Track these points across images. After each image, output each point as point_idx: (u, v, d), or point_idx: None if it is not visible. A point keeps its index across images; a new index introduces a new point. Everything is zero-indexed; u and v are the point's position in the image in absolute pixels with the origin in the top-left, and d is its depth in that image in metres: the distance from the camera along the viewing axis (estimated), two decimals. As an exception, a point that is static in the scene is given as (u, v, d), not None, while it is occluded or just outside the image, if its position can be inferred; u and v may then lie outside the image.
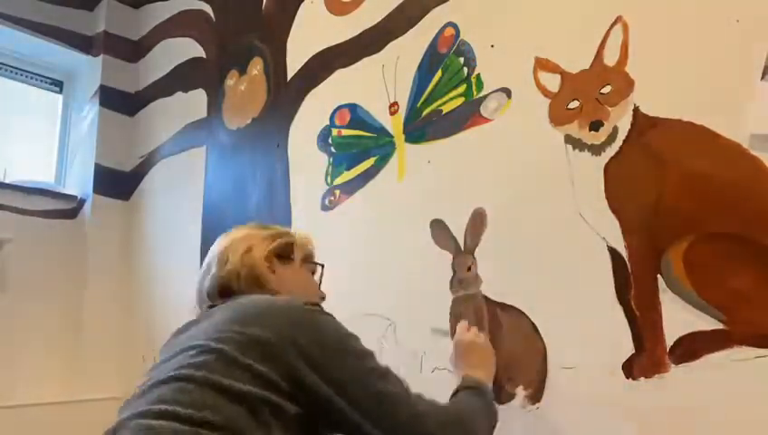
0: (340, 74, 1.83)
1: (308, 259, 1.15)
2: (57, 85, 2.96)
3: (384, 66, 1.68)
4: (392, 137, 1.64)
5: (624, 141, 1.16)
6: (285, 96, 2.02)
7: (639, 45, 1.17)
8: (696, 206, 1.04)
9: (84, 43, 2.87)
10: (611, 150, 1.17)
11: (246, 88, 2.22)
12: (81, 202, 2.72)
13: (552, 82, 1.29)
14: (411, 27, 1.63)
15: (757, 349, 0.95)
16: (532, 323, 1.25)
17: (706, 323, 1.01)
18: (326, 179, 1.80)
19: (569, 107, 1.25)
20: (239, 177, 2.16)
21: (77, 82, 2.96)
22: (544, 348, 1.23)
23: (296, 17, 2.03)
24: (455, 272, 1.41)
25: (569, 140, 1.24)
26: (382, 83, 1.68)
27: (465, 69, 1.48)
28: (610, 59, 1.20)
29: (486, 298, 1.34)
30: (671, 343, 1.05)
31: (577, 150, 1.23)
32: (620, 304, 1.12)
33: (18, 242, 2.45)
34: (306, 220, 1.83)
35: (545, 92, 1.30)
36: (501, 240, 1.34)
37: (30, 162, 2.83)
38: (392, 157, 1.63)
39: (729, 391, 0.97)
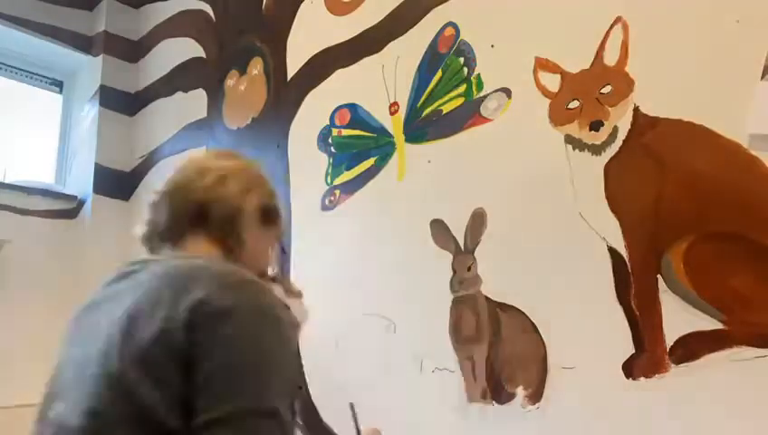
0: (340, 74, 1.82)
1: (280, 235, 0.97)
2: (57, 85, 2.96)
3: (384, 66, 1.68)
4: (392, 137, 1.64)
5: (624, 141, 1.16)
6: (285, 96, 2.02)
7: (639, 45, 1.17)
8: (695, 206, 1.04)
9: (84, 43, 2.87)
10: (611, 150, 1.17)
11: (246, 88, 2.21)
12: (81, 202, 2.71)
13: (552, 82, 1.29)
14: (411, 27, 1.63)
15: (757, 349, 0.95)
16: (532, 323, 1.25)
17: (706, 323, 1.01)
18: (326, 179, 1.80)
19: (569, 107, 1.25)
20: (239, 177, 2.15)
21: (77, 82, 2.96)
22: (544, 348, 1.23)
23: (296, 17, 2.03)
24: (455, 272, 1.41)
25: (569, 140, 1.24)
26: (382, 83, 1.68)
27: (465, 69, 1.48)
28: (610, 59, 1.20)
29: (486, 298, 1.34)
30: (671, 343, 1.05)
31: (577, 150, 1.23)
32: (620, 304, 1.12)
33: (18, 242, 2.45)
34: (306, 220, 1.83)
35: (545, 92, 1.30)
36: (501, 240, 1.34)
37: (30, 162, 2.83)
38: (392, 157, 1.62)
39: (729, 391, 0.97)
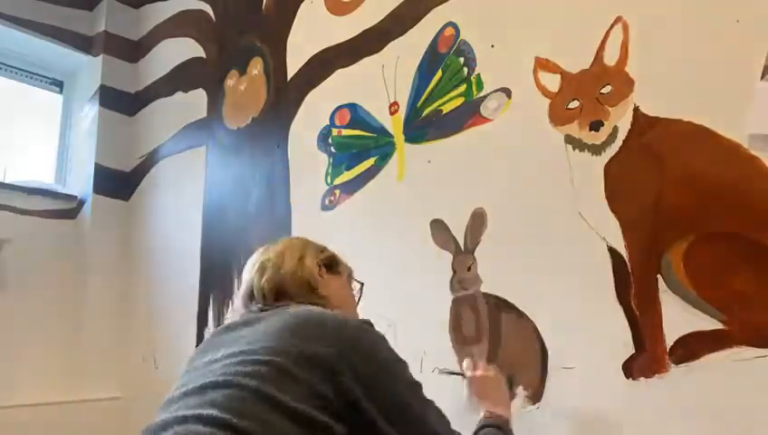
0: (340, 74, 1.83)
1: (350, 275, 1.21)
2: (57, 85, 2.96)
3: (384, 66, 1.68)
4: (392, 137, 1.64)
5: (624, 141, 1.16)
6: (285, 96, 2.02)
7: (639, 45, 1.17)
8: (695, 206, 1.04)
9: (84, 43, 2.87)
10: (611, 150, 1.17)
11: (246, 88, 2.22)
12: (81, 202, 2.71)
13: (552, 82, 1.29)
14: (411, 27, 1.63)
15: (757, 349, 0.95)
16: (533, 323, 1.25)
17: (706, 323, 1.01)
18: (326, 179, 1.80)
19: (569, 107, 1.25)
20: (239, 177, 2.16)
21: (77, 82, 2.96)
22: (544, 348, 1.23)
23: (296, 17, 2.03)
24: (455, 272, 1.41)
25: (569, 140, 1.24)
26: (382, 83, 1.68)
27: (465, 69, 1.48)
28: (610, 59, 1.20)
29: (486, 298, 1.34)
30: (671, 343, 1.05)
31: (577, 150, 1.23)
32: (620, 304, 1.12)
33: (18, 242, 2.45)
34: (306, 220, 1.83)
35: (545, 92, 1.30)
36: (501, 240, 1.34)
37: (30, 162, 2.83)
38: (392, 157, 1.63)
39: (729, 391, 0.97)
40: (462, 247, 1.41)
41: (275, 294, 1.01)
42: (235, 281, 2.08)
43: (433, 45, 1.56)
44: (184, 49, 2.60)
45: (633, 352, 1.10)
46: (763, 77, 1.00)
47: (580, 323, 1.18)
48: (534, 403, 1.23)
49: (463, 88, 1.48)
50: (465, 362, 1.19)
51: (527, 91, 1.33)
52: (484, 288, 1.35)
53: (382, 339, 0.87)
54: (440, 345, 1.40)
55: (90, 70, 2.87)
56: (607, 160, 1.18)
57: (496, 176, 1.37)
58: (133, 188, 2.76)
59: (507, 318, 1.30)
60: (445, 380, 1.38)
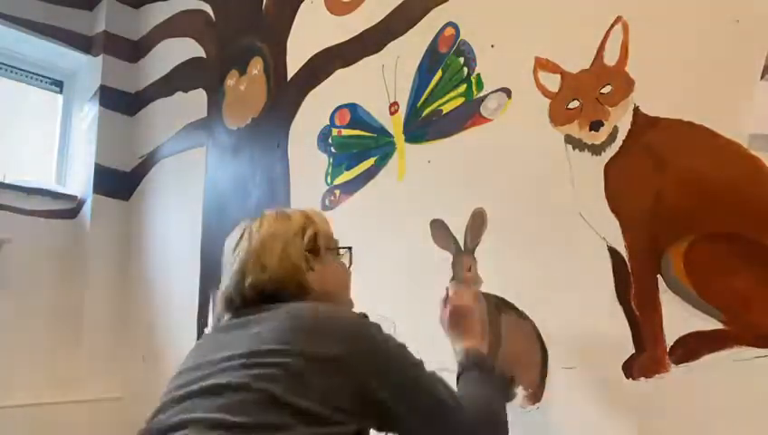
0: (340, 74, 1.83)
1: (331, 246, 1.12)
2: (57, 85, 2.96)
3: (384, 66, 1.68)
4: (392, 137, 1.64)
5: (624, 141, 1.16)
6: (285, 96, 2.02)
7: (639, 45, 1.17)
8: (696, 206, 1.04)
9: (84, 43, 2.87)
10: (611, 150, 1.17)
11: (246, 88, 2.22)
12: (81, 202, 2.72)
13: (552, 82, 1.29)
14: (411, 27, 1.63)
15: (757, 349, 0.95)
16: (533, 323, 1.25)
17: (706, 323, 1.01)
18: (326, 179, 1.80)
19: (569, 107, 1.25)
20: (239, 177, 2.16)
21: (77, 82, 2.96)
22: (544, 348, 1.23)
23: (296, 17, 2.03)
24: (455, 272, 1.41)
25: (569, 140, 1.24)
26: (382, 83, 1.68)
27: (465, 69, 1.48)
28: (610, 59, 1.20)
29: (486, 298, 1.34)
30: (671, 343, 1.05)
31: (577, 150, 1.23)
32: (620, 304, 1.12)
33: (18, 242, 2.45)
34: (306, 220, 1.83)
35: (545, 92, 1.30)
36: (501, 240, 1.34)
37: (30, 162, 2.83)
38: (392, 157, 1.63)
39: (729, 391, 0.97)
40: (462, 247, 1.41)
41: (262, 297, 0.96)
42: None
43: (433, 45, 1.56)
44: (184, 49, 2.59)
45: (633, 352, 1.10)
46: (762, 77, 1.00)
47: (580, 323, 1.18)
48: (534, 403, 1.23)
49: (463, 88, 1.48)
50: (451, 288, 1.21)
51: (527, 91, 1.33)
52: (484, 288, 1.35)
53: (379, 329, 0.90)
54: (440, 345, 1.40)
55: (90, 70, 2.87)
56: (607, 160, 1.18)
57: (496, 176, 1.37)
58: (133, 188, 2.76)
59: (507, 318, 1.30)
60: (445, 379, 1.38)
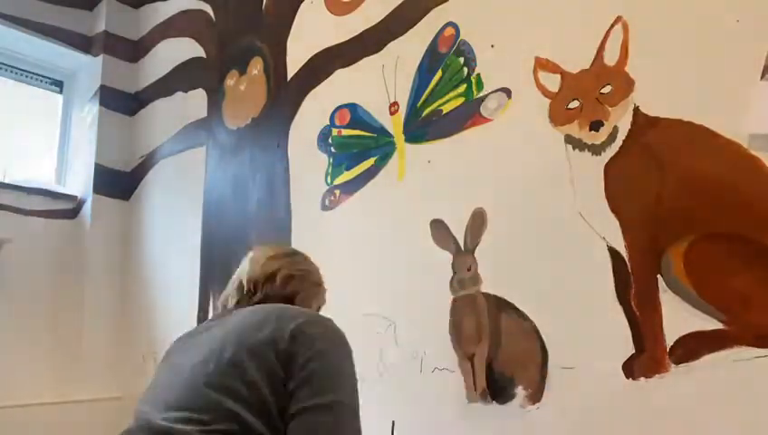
0: (340, 74, 1.82)
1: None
2: (57, 85, 2.95)
3: (384, 66, 1.68)
4: (392, 137, 1.64)
5: (624, 141, 1.16)
6: (285, 96, 2.02)
7: (639, 45, 1.17)
8: (695, 206, 1.04)
9: (84, 43, 2.87)
10: (611, 150, 1.17)
11: (246, 88, 2.21)
12: (81, 202, 2.71)
13: (552, 82, 1.29)
14: (411, 27, 1.63)
15: (757, 349, 0.95)
16: (532, 323, 1.25)
17: (706, 323, 1.01)
18: (326, 179, 1.80)
19: (569, 107, 1.25)
20: (239, 177, 2.16)
21: (77, 82, 2.96)
22: (544, 348, 1.23)
23: (296, 17, 2.03)
24: (455, 272, 1.41)
25: (569, 140, 1.24)
26: (382, 83, 1.68)
27: (465, 69, 1.48)
28: (610, 59, 1.20)
29: (486, 298, 1.34)
30: (671, 343, 1.05)
31: (577, 150, 1.23)
32: (620, 304, 1.12)
33: (18, 242, 2.45)
34: (306, 220, 1.83)
35: (545, 92, 1.30)
36: (501, 240, 1.34)
37: (30, 162, 2.83)
38: (392, 157, 1.62)
39: (729, 391, 0.97)
40: (462, 247, 1.41)
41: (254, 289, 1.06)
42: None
43: (433, 45, 1.56)
44: (184, 49, 2.59)
45: (633, 352, 1.10)
46: (762, 77, 1.00)
47: (580, 323, 1.18)
48: (534, 403, 1.23)
49: (463, 88, 1.48)
50: None
51: (527, 91, 1.33)
52: (484, 288, 1.35)
53: (330, 322, 0.96)
54: (440, 345, 1.40)
55: (90, 70, 2.86)
56: (607, 160, 1.18)
57: (496, 176, 1.37)
58: (133, 188, 2.76)
59: (507, 318, 1.30)
60: (445, 379, 1.38)
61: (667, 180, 1.08)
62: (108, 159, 2.74)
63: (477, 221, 1.38)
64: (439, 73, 1.54)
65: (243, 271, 1.11)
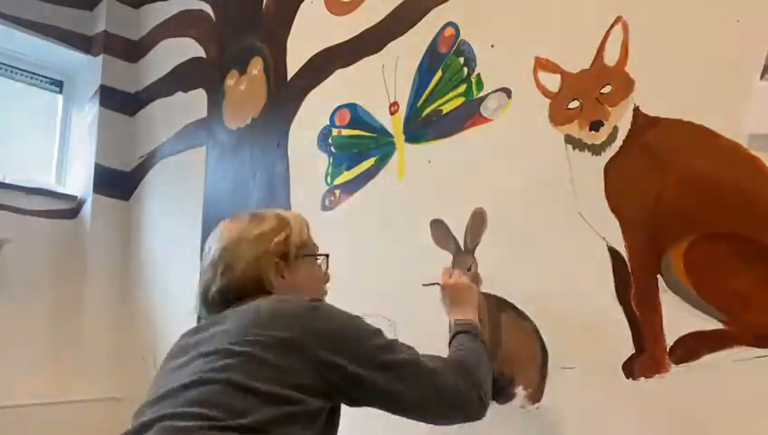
0: (340, 74, 1.82)
1: (305, 252, 1.11)
2: (57, 85, 2.95)
3: (384, 66, 1.68)
4: (392, 137, 1.64)
5: (624, 141, 1.16)
6: (285, 96, 2.02)
7: (639, 45, 1.17)
8: (695, 206, 1.04)
9: (84, 43, 2.87)
10: (611, 150, 1.17)
11: (246, 88, 2.21)
12: (81, 202, 2.71)
13: (552, 82, 1.29)
14: (411, 27, 1.63)
15: (757, 349, 0.95)
16: (533, 323, 1.25)
17: (706, 323, 1.01)
18: (326, 179, 1.80)
19: (569, 107, 1.25)
20: (239, 177, 2.16)
21: (77, 82, 2.96)
22: (544, 348, 1.23)
23: (296, 17, 2.03)
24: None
25: (569, 140, 1.24)
26: (382, 83, 1.68)
27: (465, 69, 1.48)
28: (610, 59, 1.20)
29: (486, 298, 1.34)
30: (671, 343, 1.05)
31: (577, 150, 1.23)
32: (620, 304, 1.12)
33: (18, 242, 2.45)
34: (306, 220, 1.83)
35: (545, 92, 1.30)
36: (501, 240, 1.34)
37: (30, 162, 2.83)
38: (392, 157, 1.62)
39: (729, 391, 0.97)
40: (462, 247, 1.41)
41: (230, 299, 1.01)
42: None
43: (433, 45, 1.56)
44: (184, 49, 2.59)
45: (633, 352, 1.10)
46: (762, 77, 1.00)
47: (580, 323, 1.18)
48: (534, 403, 1.23)
49: (463, 88, 1.48)
50: (443, 272, 1.27)
51: (527, 91, 1.33)
52: (484, 288, 1.35)
53: (330, 308, 0.95)
54: (440, 345, 1.40)
55: (90, 70, 2.86)
56: (607, 160, 1.18)
57: (496, 176, 1.37)
58: (133, 188, 2.76)
59: (507, 318, 1.30)
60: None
61: (667, 180, 1.08)
62: (108, 159, 2.74)
63: (477, 221, 1.38)
64: (439, 73, 1.54)
65: (208, 280, 1.05)
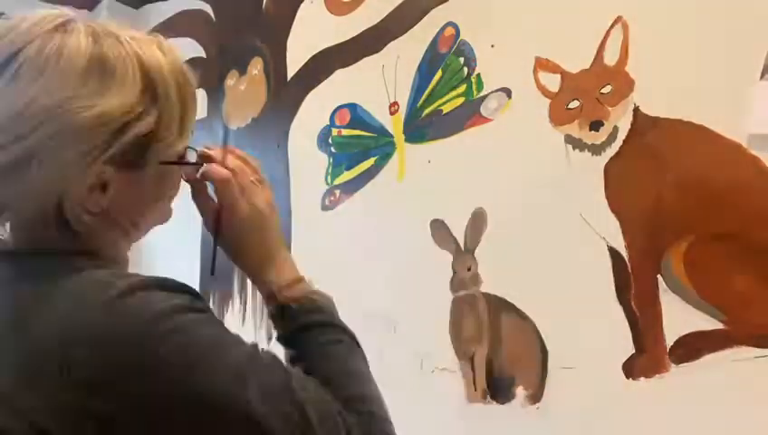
0: (340, 74, 1.82)
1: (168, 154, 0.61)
2: (57, 85, 2.95)
3: (384, 66, 1.68)
4: (392, 137, 1.64)
5: (624, 141, 1.16)
6: (285, 96, 2.02)
7: (639, 45, 1.17)
8: (696, 206, 1.04)
9: (84, 43, 2.87)
10: (611, 150, 1.17)
11: (246, 88, 2.21)
12: (81, 202, 2.71)
13: (552, 81, 1.29)
14: (411, 27, 1.62)
15: (757, 349, 0.95)
16: (532, 323, 1.25)
17: (706, 323, 1.01)
18: (326, 179, 1.80)
19: (569, 107, 1.25)
20: (239, 177, 2.15)
21: (77, 82, 2.96)
22: (544, 348, 1.23)
23: (296, 17, 2.03)
24: (455, 272, 1.41)
25: (569, 140, 1.24)
26: (382, 83, 1.68)
27: (465, 69, 1.48)
28: (610, 59, 1.20)
29: (486, 298, 1.34)
30: (671, 343, 1.05)
31: (577, 150, 1.23)
32: (620, 304, 1.12)
33: None
34: (306, 220, 1.83)
35: (545, 92, 1.30)
36: (501, 240, 1.34)
37: (30, 162, 2.82)
38: (392, 157, 1.62)
39: (729, 391, 0.97)
40: (462, 247, 1.41)
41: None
42: (235, 281, 2.09)
43: (433, 45, 1.56)
44: (184, 49, 2.59)
45: (633, 352, 1.10)
46: (762, 77, 1.00)
47: (580, 323, 1.18)
48: (534, 403, 1.23)
49: (463, 88, 1.48)
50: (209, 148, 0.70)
51: (527, 91, 1.33)
52: (484, 288, 1.35)
53: (180, 322, 0.53)
54: (440, 345, 1.40)
55: (90, 70, 2.86)
56: (607, 160, 1.18)
57: (496, 176, 1.37)
58: (133, 188, 2.75)
59: (507, 318, 1.30)
60: (445, 379, 1.38)
61: (667, 180, 1.08)
62: (108, 159, 2.74)
63: (477, 221, 1.38)
64: (439, 73, 1.54)
65: None
